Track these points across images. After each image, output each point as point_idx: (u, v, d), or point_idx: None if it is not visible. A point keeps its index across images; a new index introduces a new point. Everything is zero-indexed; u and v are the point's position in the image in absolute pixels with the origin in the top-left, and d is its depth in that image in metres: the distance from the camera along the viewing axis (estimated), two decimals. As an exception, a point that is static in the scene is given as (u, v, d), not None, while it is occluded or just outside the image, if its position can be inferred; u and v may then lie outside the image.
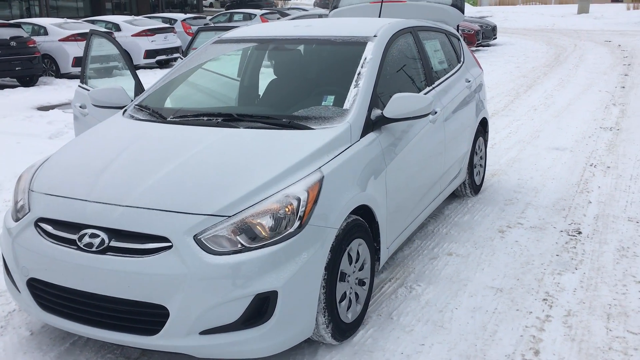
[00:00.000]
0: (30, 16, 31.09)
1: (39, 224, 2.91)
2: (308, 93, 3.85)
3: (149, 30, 17.19)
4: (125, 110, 3.82)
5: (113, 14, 33.92)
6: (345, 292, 3.08)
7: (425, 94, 4.20)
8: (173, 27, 18.48)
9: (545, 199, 5.38)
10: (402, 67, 4.10)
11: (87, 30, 15.37)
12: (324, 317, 2.89)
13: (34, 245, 2.86)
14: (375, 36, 3.87)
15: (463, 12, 5.50)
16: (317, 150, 3.02)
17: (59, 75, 15.23)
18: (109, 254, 2.67)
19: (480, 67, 5.68)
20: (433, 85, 4.38)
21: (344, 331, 3.07)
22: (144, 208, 2.71)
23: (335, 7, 5.97)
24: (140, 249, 2.65)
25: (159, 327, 2.63)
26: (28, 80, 14.27)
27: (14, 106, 11.06)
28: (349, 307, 3.13)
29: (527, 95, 11.21)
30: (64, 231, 2.82)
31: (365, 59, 3.67)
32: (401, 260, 4.14)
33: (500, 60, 17.08)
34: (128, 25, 17.44)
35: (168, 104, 3.97)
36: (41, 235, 2.87)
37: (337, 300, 2.99)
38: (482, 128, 5.52)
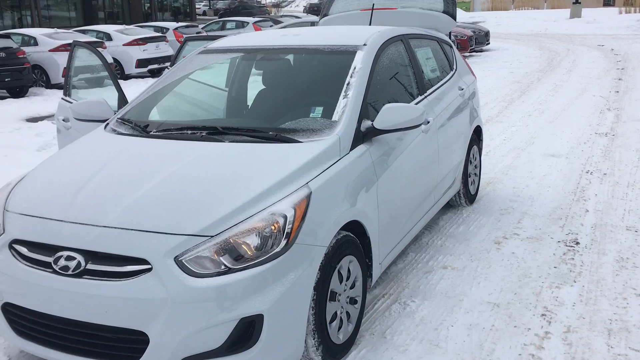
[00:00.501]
0: (22, 26, 30.94)
1: (14, 245, 2.78)
2: (297, 104, 3.74)
3: (140, 39, 17.03)
4: (107, 124, 3.70)
5: (105, 24, 33.82)
6: (336, 312, 2.95)
7: (417, 103, 4.09)
8: (165, 36, 18.37)
9: (542, 207, 5.27)
10: (393, 76, 3.99)
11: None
12: (314, 339, 2.76)
13: (8, 269, 2.73)
14: (364, 45, 3.76)
15: (455, 19, 5.40)
16: (305, 165, 2.90)
17: (50, 85, 15.08)
18: (86, 277, 2.54)
19: (474, 75, 5.58)
20: (425, 94, 4.27)
21: (335, 353, 2.95)
22: (121, 228, 2.58)
23: (326, 15, 5.86)
24: (118, 272, 2.52)
25: (138, 354, 2.49)
26: (18, 91, 14.12)
27: (2, 118, 10.92)
28: (340, 328, 3.00)
29: (521, 100, 11.13)
30: (39, 253, 2.68)
31: (355, 68, 3.56)
32: (395, 274, 4.02)
33: (494, 65, 17.02)
34: (119, 34, 17.28)
35: (152, 116, 3.84)
36: (15, 257, 2.74)
37: (328, 321, 2.86)
38: (477, 136, 5.41)
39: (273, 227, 2.60)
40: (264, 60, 4.14)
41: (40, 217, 2.77)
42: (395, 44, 4.12)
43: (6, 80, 13.52)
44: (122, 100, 4.24)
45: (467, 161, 5.10)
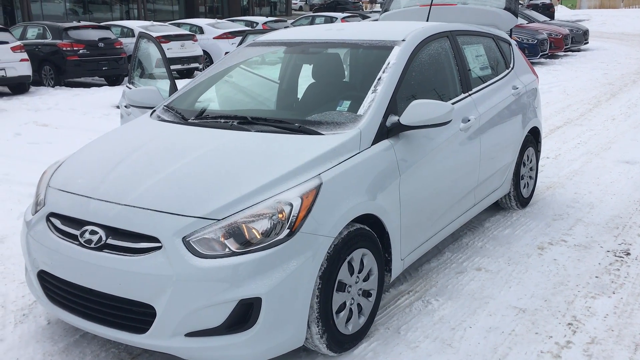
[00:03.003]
0: (129, 19, 32.75)
1: (50, 218, 3.03)
2: (335, 98, 3.79)
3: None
4: (154, 110, 3.92)
5: (206, 17, 35.10)
6: (345, 303, 3.00)
7: (458, 101, 4.04)
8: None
9: (600, 215, 5.03)
10: (433, 72, 3.96)
11: (170, 33, 16.01)
12: (317, 326, 2.83)
13: (44, 239, 2.99)
14: (403, 40, 3.76)
15: (516, 16, 5.24)
16: (320, 156, 2.97)
17: (143, 75, 15.89)
18: (105, 251, 2.74)
19: (535, 74, 5.40)
20: (470, 92, 4.20)
21: (341, 343, 2.99)
22: (139, 207, 2.76)
23: (387, 10, 5.87)
24: (133, 247, 2.70)
25: (147, 326, 2.66)
26: (114, 79, 15.05)
27: (96, 104, 11.67)
28: (349, 319, 3.05)
29: (608, 103, 10.57)
30: (69, 226, 2.92)
31: (389, 63, 3.57)
32: (426, 272, 4.00)
33: (588, 66, 16.21)
34: (210, 28, 17.59)
35: (198, 105, 4.03)
36: (50, 229, 2.99)
37: (334, 311, 2.91)
38: (534, 137, 5.24)
39: (280, 215, 2.69)
40: (306, 54, 4.22)
41: (73, 193, 3.01)
42: (440, 40, 4.08)
43: (104, 69, 14.45)
44: (173, 88, 4.47)
45: (520, 163, 4.95)
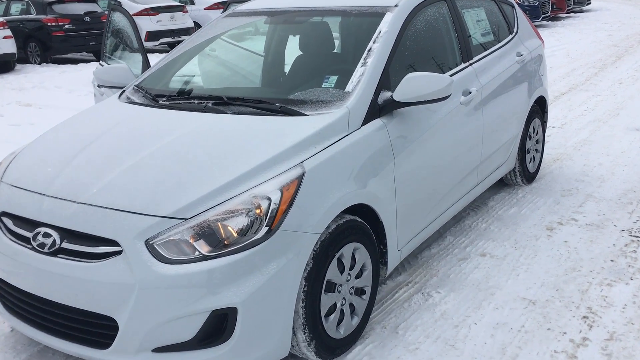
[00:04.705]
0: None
1: (2, 218, 2.70)
2: (324, 71, 3.42)
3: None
4: (124, 91, 3.56)
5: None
6: (335, 304, 2.69)
7: (458, 71, 3.67)
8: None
9: (611, 190, 4.69)
10: (430, 41, 3.58)
11: (159, 5, 15.44)
12: (304, 333, 2.52)
13: (-7, 242, 2.66)
14: (396, 6, 3.37)
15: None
16: (303, 141, 2.62)
17: (134, 49, 15.40)
18: (60, 256, 2.41)
19: (540, 38, 5.00)
20: (470, 61, 3.83)
21: (332, 349, 2.69)
22: (96, 206, 2.42)
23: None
24: (90, 252, 2.37)
25: (110, 340, 2.35)
26: (103, 54, 14.56)
27: (83, 81, 11.25)
28: (340, 321, 2.74)
29: (614, 67, 10.16)
30: (22, 227, 2.59)
31: (380, 32, 3.20)
32: (425, 260, 3.68)
33: (591, 27, 15.71)
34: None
35: (172, 84, 3.66)
36: (2, 231, 2.66)
37: (322, 314, 2.60)
38: (540, 108, 4.87)
39: (257, 211, 2.35)
40: (290, 23, 3.84)
41: (25, 190, 2.67)
42: (436, 4, 3.69)
43: (91, 44, 13.97)
44: (146, 65, 4.10)
45: (526, 136, 4.60)
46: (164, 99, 3.26)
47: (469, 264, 3.61)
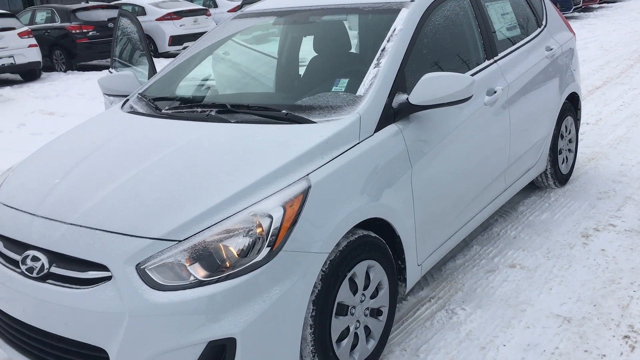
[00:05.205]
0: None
1: (-7, 239, 2.55)
2: (340, 73, 3.21)
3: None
4: (127, 100, 3.39)
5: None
6: (348, 327, 2.46)
7: (482, 69, 3.41)
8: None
9: (652, 191, 4.37)
10: (450, 37, 3.33)
11: (182, 9, 15.38)
12: (314, 361, 2.30)
13: (-17, 265, 2.50)
14: (412, 1, 3.14)
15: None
16: (309, 151, 2.40)
17: (157, 54, 15.40)
18: (49, 281, 2.24)
19: (572, 31, 4.70)
20: (495, 58, 3.56)
21: (346, 376, 2.47)
22: (86, 227, 2.24)
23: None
24: (79, 278, 2.19)
25: (102, 372, 2.17)
26: (127, 60, 14.57)
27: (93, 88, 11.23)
28: (354, 346, 2.52)
29: (651, 57, 9.69)
30: (12, 250, 2.43)
31: (394, 30, 2.96)
32: (450, 272, 3.43)
33: (625, 17, 15.14)
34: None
35: (179, 91, 3.48)
36: (-8, 253, 2.51)
37: (334, 340, 2.38)
38: (572, 105, 4.56)
39: (259, 230, 2.15)
40: (303, 23, 3.62)
41: (16, 210, 2.51)
42: (457, -2, 3.44)
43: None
44: (152, 72, 3.93)
45: (557, 135, 4.30)
46: (166, 107, 3.08)
47: (497, 276, 3.34)
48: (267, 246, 2.13)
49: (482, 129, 3.29)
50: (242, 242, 2.13)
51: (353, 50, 3.57)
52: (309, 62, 3.64)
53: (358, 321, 2.51)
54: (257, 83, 3.99)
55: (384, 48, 2.88)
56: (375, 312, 2.62)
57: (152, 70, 3.91)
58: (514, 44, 3.83)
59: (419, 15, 3.07)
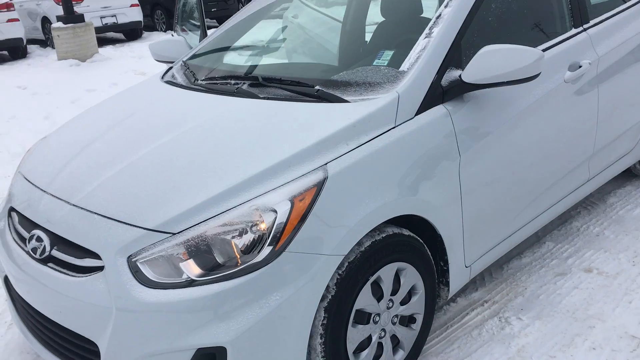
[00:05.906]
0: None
1: (12, 213, 2.47)
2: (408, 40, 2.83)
3: None
4: (170, 68, 3.21)
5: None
6: (370, 337, 2.18)
7: (566, 39, 2.91)
8: None
9: None
10: (526, 1, 2.84)
11: None
12: (325, 376, 2.05)
13: (4, 239, 2.44)
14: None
15: None
16: (331, 136, 2.09)
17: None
18: (50, 265, 2.12)
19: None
20: (585, 26, 3.03)
21: (365, 392, 2.19)
22: (86, 210, 2.09)
23: None
24: (76, 265, 2.05)
25: (96, 364, 2.03)
26: (225, 20, 14.62)
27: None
28: (378, 357, 2.23)
29: None
30: (23, 226, 2.33)
31: (453, -8, 2.54)
32: (513, 272, 3.02)
33: None
34: None
35: (227, 59, 3.25)
36: (9, 227, 2.44)
37: (350, 351, 2.11)
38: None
39: (263, 226, 1.89)
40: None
41: (31, 184, 2.41)
42: (540, -48, 2.93)
43: (212, 10, 14.04)
44: (203, 37, 3.72)
45: (662, 117, 3.68)
46: (202, 77, 2.86)
47: (567, 281, 2.90)
48: (269, 245, 1.88)
49: (560, 110, 2.81)
50: (242, 239, 1.88)
51: (424, 14, 3.17)
52: (376, 28, 3.28)
53: (383, 330, 2.21)
54: (321, 50, 3.68)
55: (440, 14, 2.48)
56: (407, 320, 2.31)
57: (203, 34, 3.71)
58: (611, 9, 3.25)
59: (487, -26, 2.62)
